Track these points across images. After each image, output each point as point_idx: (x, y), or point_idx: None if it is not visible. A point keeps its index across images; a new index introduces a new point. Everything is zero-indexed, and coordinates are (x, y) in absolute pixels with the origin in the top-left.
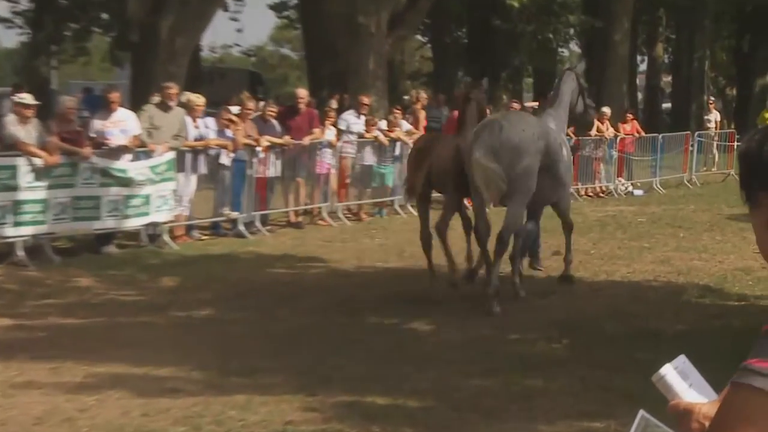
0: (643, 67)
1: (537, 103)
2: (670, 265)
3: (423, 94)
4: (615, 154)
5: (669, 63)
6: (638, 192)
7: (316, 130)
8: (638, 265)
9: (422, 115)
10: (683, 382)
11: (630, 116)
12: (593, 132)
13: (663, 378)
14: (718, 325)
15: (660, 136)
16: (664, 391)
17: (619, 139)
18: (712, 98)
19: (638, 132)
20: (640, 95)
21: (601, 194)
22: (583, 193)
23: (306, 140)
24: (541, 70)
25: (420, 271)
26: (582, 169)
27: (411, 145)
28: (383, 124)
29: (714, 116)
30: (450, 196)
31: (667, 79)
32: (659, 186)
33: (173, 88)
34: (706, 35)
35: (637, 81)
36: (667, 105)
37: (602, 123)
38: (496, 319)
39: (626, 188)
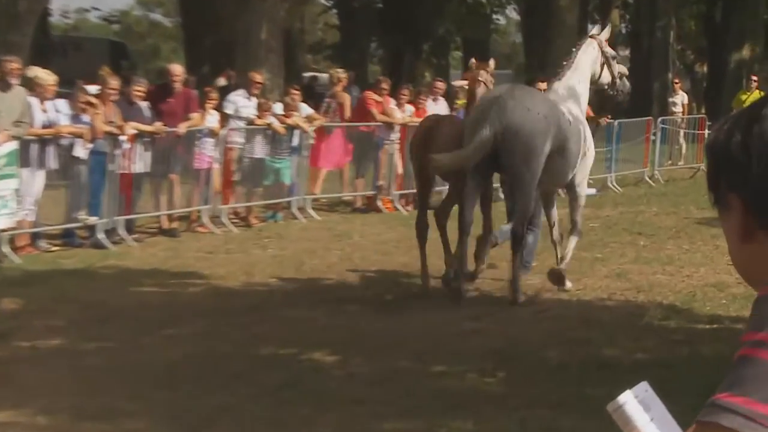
0: None
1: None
2: (627, 281)
3: (343, 73)
4: None
5: (626, 33)
6: (589, 191)
7: (195, 115)
8: (589, 280)
9: (347, 99)
10: (644, 414)
11: None
12: None
13: (621, 407)
14: (685, 353)
15: (615, 122)
16: (622, 424)
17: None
18: (678, 77)
19: (589, 117)
20: None
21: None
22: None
23: (182, 128)
24: (473, 41)
25: (322, 288)
26: None
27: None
28: (278, 107)
29: (680, 98)
30: (454, 184)
31: (624, 53)
32: (615, 184)
33: (14, 63)
34: (671, 0)
35: None
36: None
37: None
38: (417, 349)
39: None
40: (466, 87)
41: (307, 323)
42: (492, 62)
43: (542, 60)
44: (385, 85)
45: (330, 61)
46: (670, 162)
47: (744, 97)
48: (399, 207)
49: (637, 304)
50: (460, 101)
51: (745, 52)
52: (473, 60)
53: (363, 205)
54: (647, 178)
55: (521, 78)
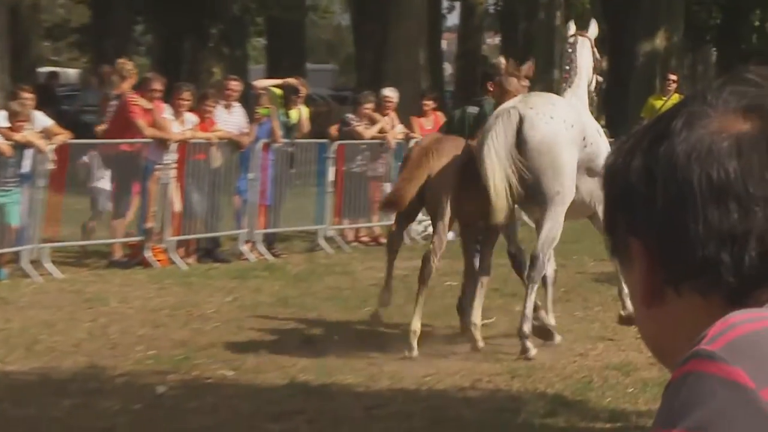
0: (452, 20)
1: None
2: (498, 361)
3: (128, 64)
4: None
5: (496, 16)
6: (448, 235)
7: None
8: (445, 361)
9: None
10: None
11: (430, 104)
12: (367, 133)
13: None
14: None
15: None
16: None
17: (413, 144)
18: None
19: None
20: (448, 69)
21: (383, 240)
22: (351, 237)
23: None
24: (281, 24)
25: (65, 376)
26: (348, 197)
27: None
28: (0, 117)
29: None
30: (442, 220)
31: (493, 41)
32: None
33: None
34: None
35: (443, 45)
36: None
37: (384, 114)
38: None
39: (425, 229)
40: (276, 90)
41: (43, 427)
42: (529, 66)
43: (379, 51)
44: (156, 86)
45: (77, 50)
46: None
47: (658, 103)
48: (176, 259)
49: (512, 395)
50: (264, 109)
51: (659, 42)
52: (502, 60)
53: (124, 257)
54: (524, 217)
55: (350, 76)
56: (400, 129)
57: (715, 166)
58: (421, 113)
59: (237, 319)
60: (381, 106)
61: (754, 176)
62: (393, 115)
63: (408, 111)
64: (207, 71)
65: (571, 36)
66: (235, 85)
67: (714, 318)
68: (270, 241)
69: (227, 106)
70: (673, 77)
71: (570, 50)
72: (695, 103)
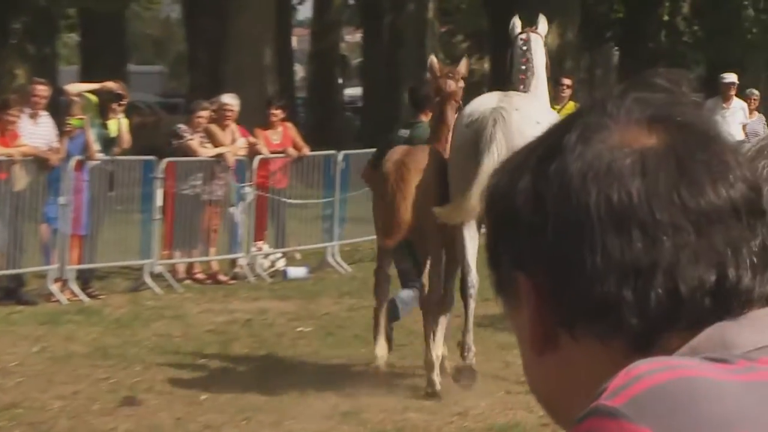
0: (304, 13)
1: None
2: (360, 422)
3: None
4: (249, 193)
5: (356, 8)
6: (297, 272)
7: None
8: (296, 423)
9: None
10: None
11: (278, 114)
12: (202, 150)
13: None
14: None
15: (340, 154)
16: None
17: (257, 161)
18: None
19: (296, 147)
20: (300, 71)
21: (222, 277)
22: (183, 274)
23: None
24: (97, 18)
25: None
26: (180, 225)
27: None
28: None
29: None
30: (432, 240)
31: (353, 37)
32: (338, 260)
33: None
34: None
35: (294, 42)
36: (353, 91)
37: (223, 126)
38: None
39: (272, 264)
40: (92, 96)
41: None
42: (464, 63)
43: (216, 50)
44: None
45: None
46: None
47: (554, 108)
48: None
49: None
50: (77, 120)
51: (550, 40)
52: (433, 58)
53: None
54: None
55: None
56: (242, 143)
57: (616, 186)
58: (268, 124)
59: (45, 373)
60: (219, 116)
61: (660, 199)
62: (233, 126)
63: (252, 121)
64: (9, 73)
65: (522, 33)
66: (43, 90)
67: (616, 367)
68: (85, 278)
69: (33, 116)
70: (567, 82)
71: (525, 48)
72: (592, 113)
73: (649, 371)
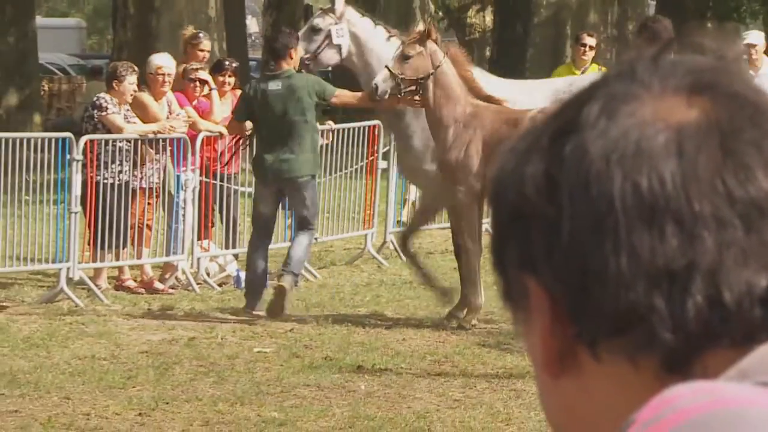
0: None
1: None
2: None
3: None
4: (191, 179)
5: None
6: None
7: None
8: None
9: None
10: None
11: (227, 79)
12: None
13: None
14: None
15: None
16: None
17: (201, 140)
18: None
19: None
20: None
21: (159, 285)
22: (108, 279)
23: None
24: None
25: None
26: (106, 219)
27: None
28: None
29: None
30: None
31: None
32: (305, 263)
33: None
34: None
35: None
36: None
37: (157, 97)
38: None
39: (221, 268)
40: None
41: None
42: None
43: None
44: None
45: None
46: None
47: (573, 73)
48: None
49: None
50: None
51: None
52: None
53: None
54: (372, 251)
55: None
56: (182, 115)
57: (646, 171)
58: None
59: None
60: (151, 82)
61: (701, 186)
62: (170, 95)
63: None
64: None
65: None
66: None
67: (648, 393)
68: None
69: None
70: (590, 41)
71: None
72: (619, 79)
73: (688, 399)
